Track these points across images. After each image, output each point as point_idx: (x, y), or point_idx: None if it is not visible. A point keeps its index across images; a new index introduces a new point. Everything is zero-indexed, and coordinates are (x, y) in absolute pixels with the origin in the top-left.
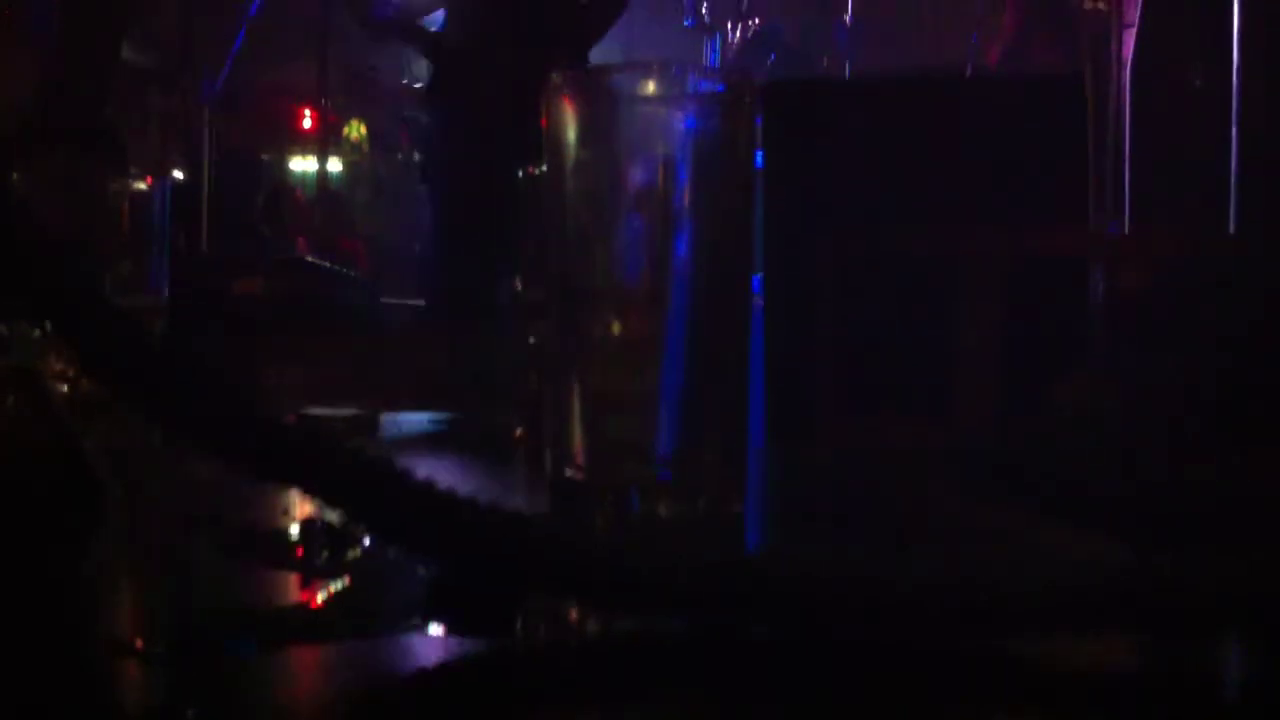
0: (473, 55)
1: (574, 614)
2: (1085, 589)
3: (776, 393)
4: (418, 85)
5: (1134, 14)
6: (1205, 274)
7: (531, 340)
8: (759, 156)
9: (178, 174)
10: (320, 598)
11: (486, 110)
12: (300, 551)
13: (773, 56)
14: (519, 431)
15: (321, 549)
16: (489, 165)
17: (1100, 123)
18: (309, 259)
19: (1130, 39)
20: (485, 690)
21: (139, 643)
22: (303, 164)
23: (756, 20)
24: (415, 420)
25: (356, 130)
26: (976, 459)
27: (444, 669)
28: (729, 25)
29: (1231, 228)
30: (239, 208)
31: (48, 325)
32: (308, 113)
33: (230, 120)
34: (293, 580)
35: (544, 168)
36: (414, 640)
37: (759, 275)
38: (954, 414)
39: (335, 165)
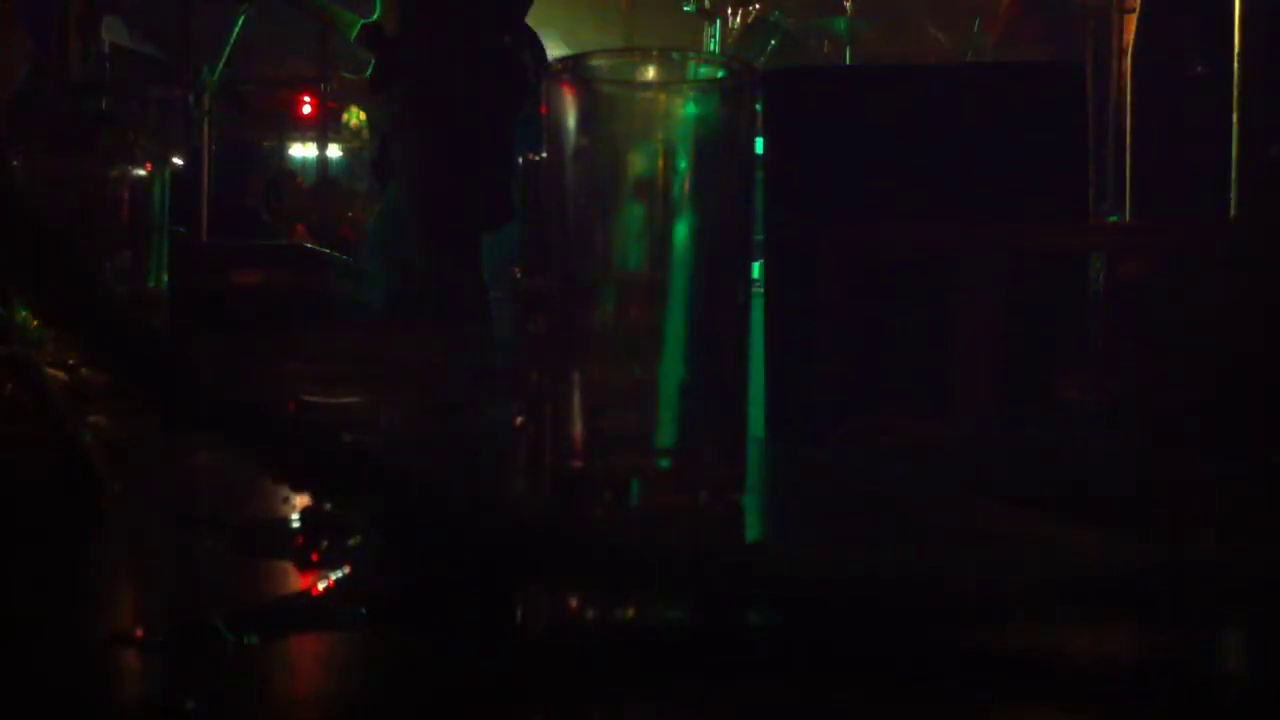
0: (417, 40)
1: (574, 604)
2: (1086, 580)
3: (776, 388)
4: (348, 75)
5: (1135, 0)
6: (1207, 263)
7: (531, 329)
8: (759, 144)
9: (177, 161)
10: (320, 587)
11: (439, 95)
12: (300, 541)
13: (772, 43)
14: (519, 421)
15: (320, 539)
16: (455, 150)
17: (1101, 110)
18: (308, 246)
19: (1131, 25)
20: (484, 682)
21: (138, 633)
22: (303, 150)
23: (757, 6)
24: (413, 410)
25: (356, 117)
26: (975, 453)
27: (443, 661)
28: (729, 11)
29: (1232, 214)
30: (239, 194)
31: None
32: (307, 99)
33: (230, 107)
34: (291, 570)
35: (543, 155)
36: (412, 631)
37: (759, 263)
38: (953, 410)
39: (335, 151)
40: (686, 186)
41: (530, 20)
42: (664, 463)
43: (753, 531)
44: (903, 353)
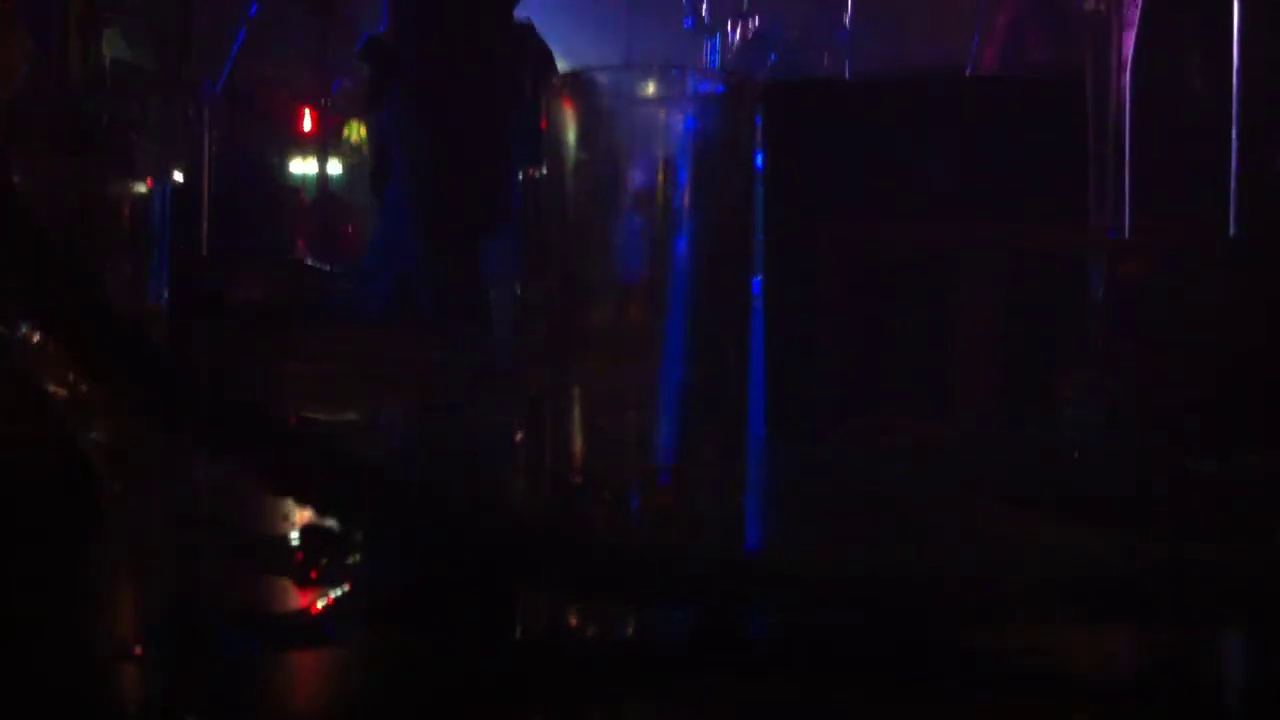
0: (417, 44)
1: (574, 605)
2: (1086, 580)
3: (776, 387)
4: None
5: (1133, 14)
6: (1207, 263)
7: (532, 339)
8: (759, 157)
9: (178, 176)
10: (320, 588)
11: (440, 107)
12: (300, 556)
13: (773, 56)
14: (519, 421)
15: (320, 554)
16: (454, 153)
17: (1100, 123)
18: (308, 262)
19: (1130, 40)
20: (484, 682)
21: (138, 634)
22: (303, 165)
23: (756, 20)
24: (412, 411)
25: (357, 132)
26: (975, 453)
27: (443, 661)
28: (729, 25)
29: (1231, 228)
30: (239, 208)
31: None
32: (308, 113)
33: (231, 121)
34: (291, 584)
35: (544, 169)
36: (412, 631)
37: (758, 276)
38: (953, 410)
39: (335, 167)
40: (687, 201)
41: None
42: (664, 463)
43: (753, 532)
44: (903, 353)
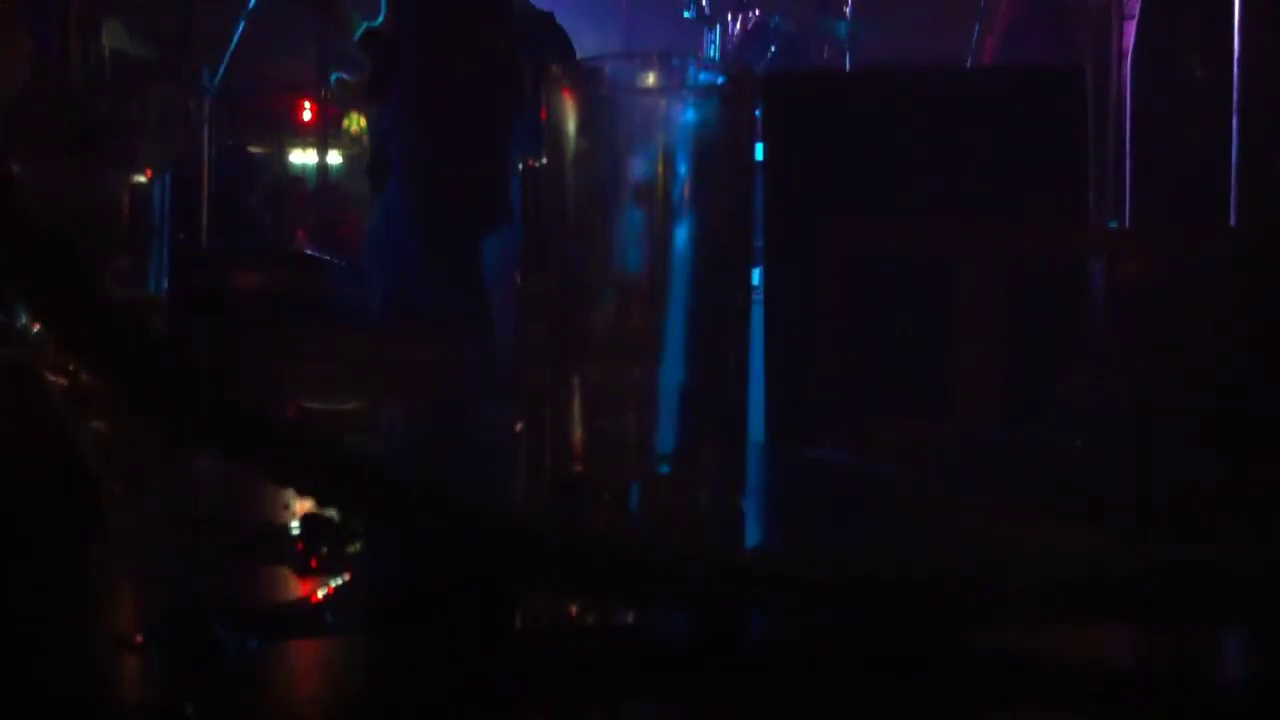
0: (416, 39)
1: (574, 606)
2: (1086, 580)
3: (776, 388)
4: (345, 77)
5: (1134, 5)
6: (1205, 273)
7: (531, 334)
8: (759, 149)
9: (177, 165)
10: (320, 588)
11: (438, 106)
12: (300, 543)
13: (773, 48)
14: (519, 423)
15: (321, 540)
16: (453, 150)
17: (1100, 114)
18: (309, 252)
19: (1130, 30)
20: (484, 682)
21: (138, 633)
22: (303, 156)
23: (757, 12)
24: (412, 411)
25: (356, 123)
26: (975, 454)
27: (443, 661)
28: (729, 17)
29: (1232, 219)
30: (240, 198)
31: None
32: (308, 105)
33: (231, 112)
34: (291, 571)
35: (543, 160)
36: (412, 631)
37: (758, 268)
38: (953, 411)
39: (335, 157)
40: (686, 191)
41: None
42: (664, 465)
43: (753, 533)
44: (903, 353)
